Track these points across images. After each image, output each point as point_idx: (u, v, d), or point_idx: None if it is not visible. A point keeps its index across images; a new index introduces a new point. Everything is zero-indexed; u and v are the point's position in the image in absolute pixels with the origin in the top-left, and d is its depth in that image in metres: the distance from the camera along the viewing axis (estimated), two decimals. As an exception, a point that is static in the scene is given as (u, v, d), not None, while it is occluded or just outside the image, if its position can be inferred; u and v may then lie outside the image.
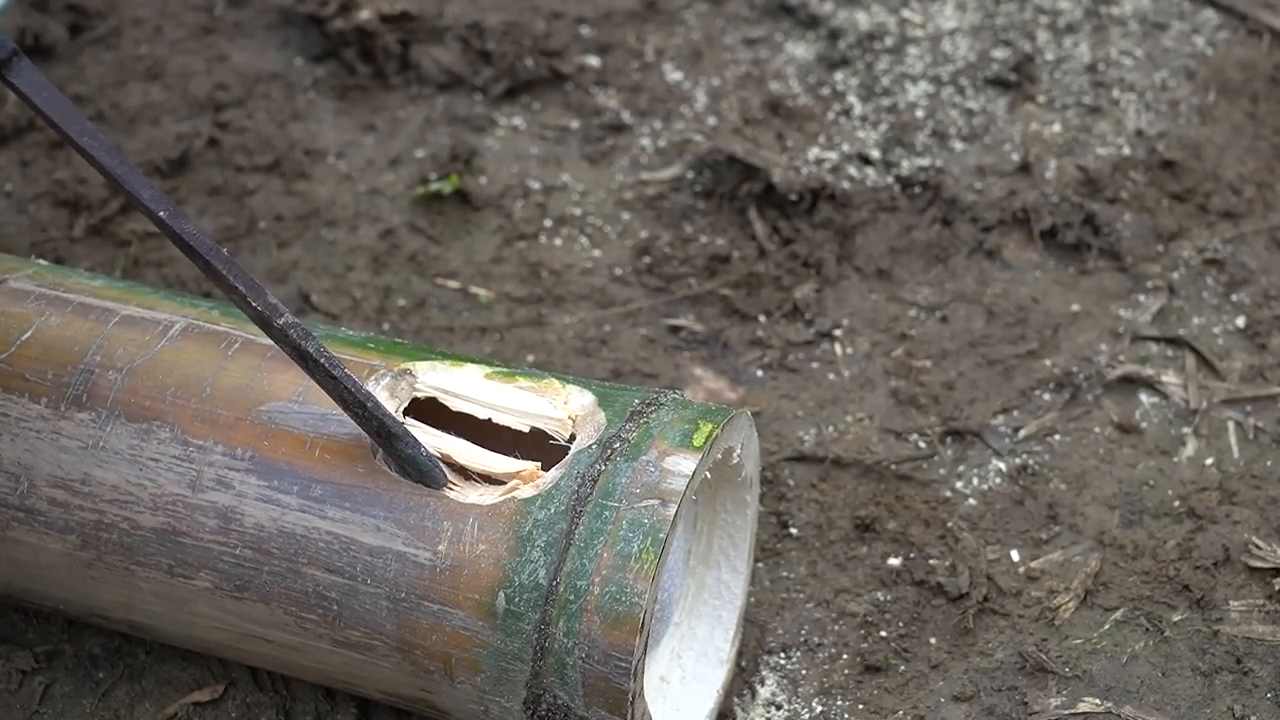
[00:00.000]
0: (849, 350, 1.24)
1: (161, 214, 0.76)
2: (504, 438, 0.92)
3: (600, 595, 0.82)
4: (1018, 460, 1.15)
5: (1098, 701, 1.01)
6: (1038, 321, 1.25)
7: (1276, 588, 1.07)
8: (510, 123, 1.42)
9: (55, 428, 0.89)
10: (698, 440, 0.86)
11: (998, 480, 1.14)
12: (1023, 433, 1.17)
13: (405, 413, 0.89)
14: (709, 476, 0.91)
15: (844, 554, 1.10)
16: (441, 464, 0.86)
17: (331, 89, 1.44)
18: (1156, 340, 1.24)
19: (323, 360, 0.81)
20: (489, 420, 0.90)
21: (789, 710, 1.01)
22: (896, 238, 1.31)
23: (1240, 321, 1.25)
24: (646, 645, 0.84)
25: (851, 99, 1.43)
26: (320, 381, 0.82)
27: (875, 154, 1.38)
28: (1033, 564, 1.09)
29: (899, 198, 1.34)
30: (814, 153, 1.38)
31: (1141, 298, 1.27)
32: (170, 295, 0.97)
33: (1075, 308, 1.26)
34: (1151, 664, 1.03)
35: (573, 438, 0.88)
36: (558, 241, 1.31)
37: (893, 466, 1.14)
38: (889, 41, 1.48)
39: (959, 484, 1.14)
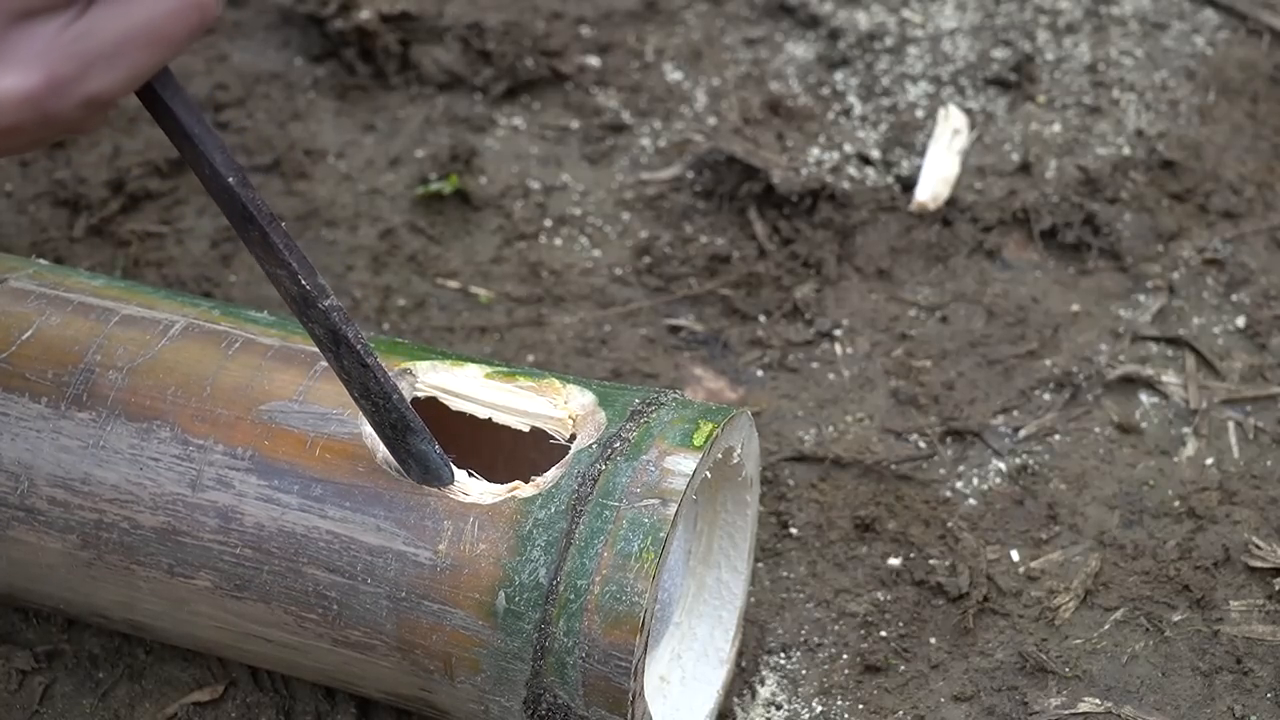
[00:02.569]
0: (849, 350, 1.24)
1: (230, 180, 0.75)
2: (504, 437, 0.92)
3: (600, 594, 0.82)
4: (1018, 460, 1.15)
5: (1098, 701, 1.01)
6: (1038, 321, 1.25)
7: (1276, 588, 1.07)
8: (510, 123, 1.42)
9: (55, 427, 0.89)
10: (698, 440, 0.86)
11: (998, 480, 1.14)
12: (1023, 433, 1.17)
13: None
14: (709, 476, 0.91)
15: (844, 554, 1.10)
16: (451, 463, 0.85)
17: (331, 89, 1.44)
18: (1156, 340, 1.24)
19: (359, 347, 0.80)
20: (489, 420, 0.90)
21: (789, 710, 1.01)
22: (896, 238, 1.31)
23: (1240, 321, 1.25)
24: (647, 645, 0.84)
25: (851, 99, 1.43)
26: (347, 369, 0.81)
27: (875, 154, 1.38)
28: (1033, 564, 1.09)
29: (899, 198, 1.34)
30: (814, 153, 1.38)
31: (1141, 298, 1.27)
32: (170, 295, 0.97)
33: (1075, 308, 1.26)
34: (1151, 664, 1.03)
35: (573, 437, 0.88)
36: (558, 241, 1.31)
37: (893, 466, 1.14)
38: (889, 41, 1.48)
39: (959, 484, 1.14)
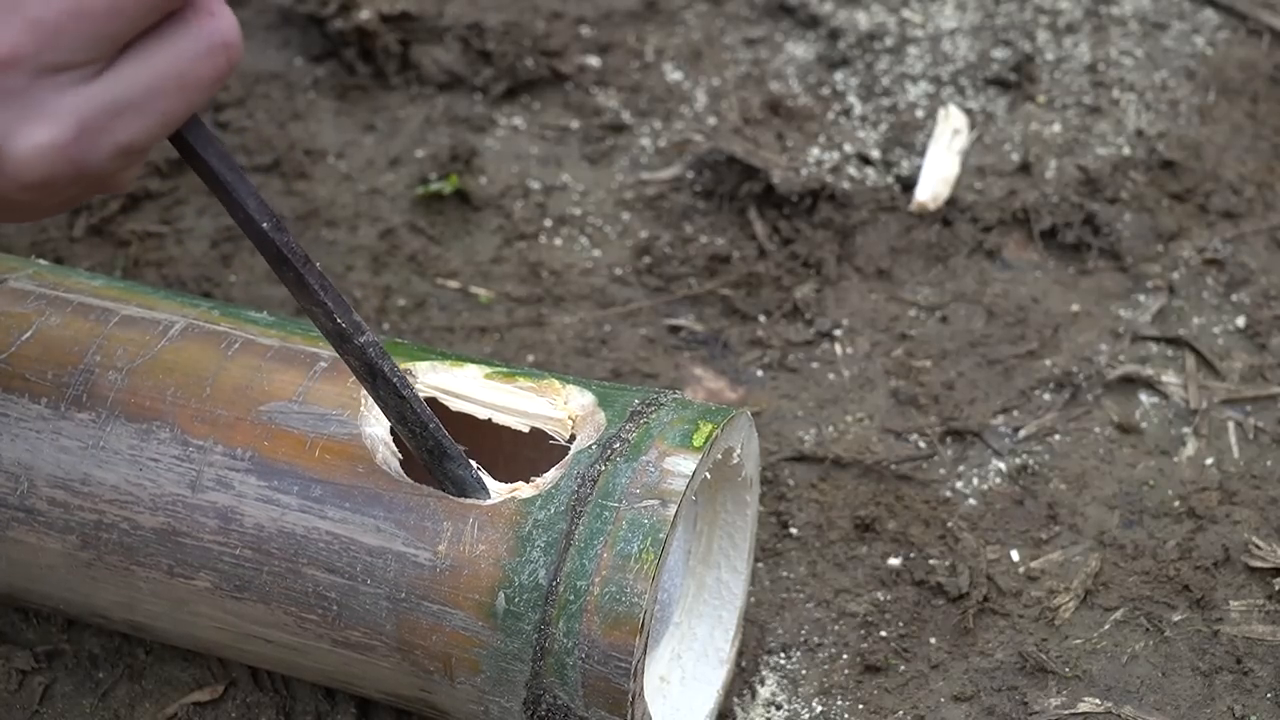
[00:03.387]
0: (849, 350, 1.24)
1: (265, 226, 0.76)
2: (504, 437, 0.92)
3: (600, 595, 0.82)
4: (1018, 460, 1.15)
5: (1098, 701, 1.01)
6: (1038, 321, 1.25)
7: (1276, 588, 1.07)
8: (510, 123, 1.42)
9: (55, 428, 0.89)
10: (698, 440, 0.86)
11: (998, 480, 1.14)
12: (1023, 433, 1.17)
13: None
14: (709, 476, 0.91)
15: (844, 554, 1.10)
16: (487, 483, 0.85)
17: (331, 89, 1.44)
18: (1156, 340, 1.24)
19: (395, 379, 0.81)
20: (489, 420, 0.90)
21: (789, 710, 1.01)
22: (896, 238, 1.31)
23: (1240, 321, 1.25)
24: (646, 645, 0.84)
25: (851, 99, 1.43)
26: (384, 398, 0.81)
27: (875, 154, 1.38)
28: (1033, 564, 1.09)
29: (899, 198, 1.34)
30: (814, 153, 1.38)
31: (1141, 298, 1.27)
32: (170, 295, 0.97)
33: (1075, 308, 1.26)
34: (1151, 664, 1.03)
35: (573, 438, 0.88)
36: (558, 241, 1.31)
37: (893, 466, 1.14)
38: (889, 41, 1.48)
39: (959, 484, 1.14)
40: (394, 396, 0.81)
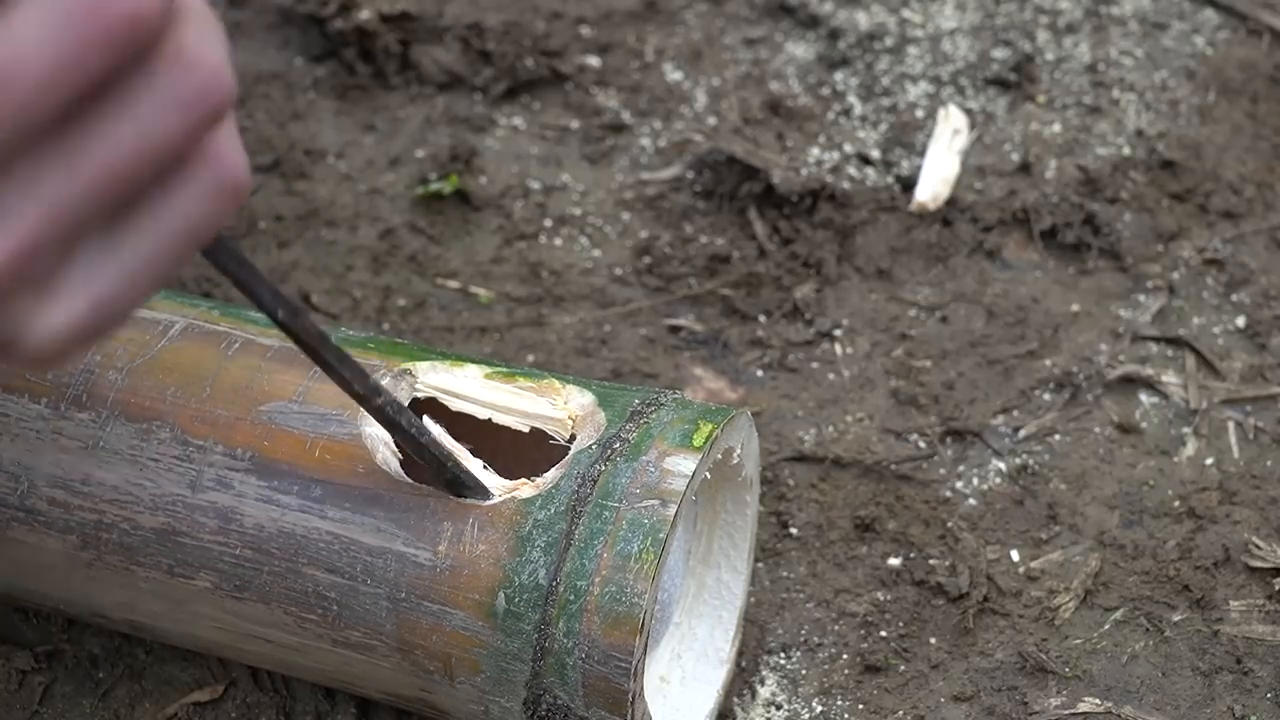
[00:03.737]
0: (849, 350, 1.24)
1: (280, 315, 0.76)
2: (504, 437, 0.92)
3: (600, 595, 0.82)
4: (1018, 460, 1.15)
5: (1098, 701, 1.01)
6: (1038, 321, 1.25)
7: (1276, 588, 1.07)
8: (510, 123, 1.42)
9: (55, 428, 0.89)
10: (698, 440, 0.86)
11: (998, 480, 1.14)
12: (1023, 433, 1.17)
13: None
14: (709, 476, 0.91)
15: (844, 554, 1.10)
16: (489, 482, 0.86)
17: (331, 89, 1.43)
18: (1156, 340, 1.24)
19: (413, 430, 0.81)
20: (489, 420, 0.90)
21: (789, 710, 1.01)
22: (896, 238, 1.31)
23: (1240, 321, 1.25)
24: (646, 645, 0.84)
25: (851, 99, 1.43)
26: (403, 449, 0.82)
27: (875, 154, 1.38)
28: (1033, 564, 1.09)
29: (899, 198, 1.34)
30: (814, 153, 1.38)
31: (1141, 298, 1.27)
32: (170, 295, 0.97)
33: (1075, 308, 1.26)
34: (1151, 664, 1.03)
35: (573, 438, 0.88)
36: (558, 241, 1.31)
37: (893, 466, 1.14)
38: (889, 41, 1.48)
39: (959, 484, 1.14)
40: (413, 444, 0.82)
